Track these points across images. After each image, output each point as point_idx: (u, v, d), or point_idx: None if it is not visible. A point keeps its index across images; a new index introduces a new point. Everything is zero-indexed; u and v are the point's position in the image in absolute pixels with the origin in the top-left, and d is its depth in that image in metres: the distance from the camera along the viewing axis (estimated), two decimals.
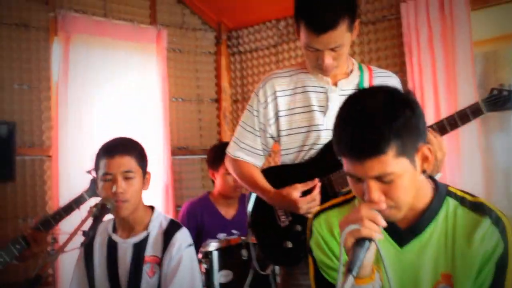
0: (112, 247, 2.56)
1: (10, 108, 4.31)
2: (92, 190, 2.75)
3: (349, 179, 1.61)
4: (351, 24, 2.32)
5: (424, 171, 1.62)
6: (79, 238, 2.12)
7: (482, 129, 3.92)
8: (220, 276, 3.14)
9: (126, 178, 2.43)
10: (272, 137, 2.59)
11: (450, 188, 1.72)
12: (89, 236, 2.15)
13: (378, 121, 1.51)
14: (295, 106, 2.52)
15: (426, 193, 1.67)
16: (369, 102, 1.57)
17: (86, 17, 4.65)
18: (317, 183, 2.39)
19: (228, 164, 2.71)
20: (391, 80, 2.55)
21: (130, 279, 2.47)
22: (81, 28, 4.57)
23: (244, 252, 3.16)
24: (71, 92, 4.46)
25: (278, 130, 2.55)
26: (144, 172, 2.53)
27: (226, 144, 4.55)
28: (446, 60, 3.96)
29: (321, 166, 2.44)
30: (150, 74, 4.99)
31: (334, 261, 1.72)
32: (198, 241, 3.49)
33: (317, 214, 1.79)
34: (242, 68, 5.59)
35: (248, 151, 2.61)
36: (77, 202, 2.76)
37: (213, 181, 4.12)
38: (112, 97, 4.74)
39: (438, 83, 4.01)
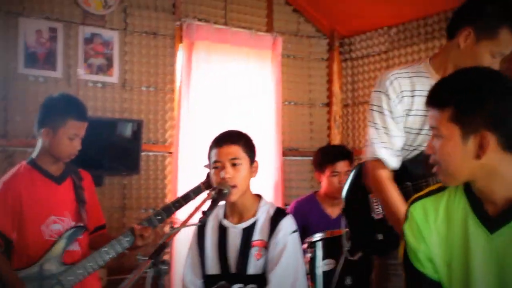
0: (222, 231, 2.77)
1: (138, 107, 4.76)
2: (208, 182, 3.04)
3: None
4: None
5: (478, 156, 1.66)
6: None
7: None
8: (323, 265, 3.32)
9: (234, 165, 2.66)
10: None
11: None
12: (208, 216, 2.39)
13: (444, 85, 1.76)
14: (412, 108, 2.49)
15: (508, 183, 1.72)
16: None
17: (208, 26, 5.02)
18: None
19: (368, 170, 2.57)
20: None
21: (239, 261, 2.69)
22: (204, 35, 4.95)
23: (346, 243, 3.31)
24: (192, 95, 4.86)
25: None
26: (252, 161, 2.73)
27: (331, 147, 4.74)
28: None
29: (419, 168, 2.45)
30: (265, 79, 5.31)
31: (421, 245, 1.82)
32: (304, 238, 3.64)
33: (413, 201, 1.89)
34: (353, 74, 5.77)
35: (391, 153, 2.50)
36: (194, 192, 3.05)
37: (319, 182, 4.28)
38: (229, 100, 5.09)
39: None
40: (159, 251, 2.05)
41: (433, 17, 5.07)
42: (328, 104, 5.82)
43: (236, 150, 2.68)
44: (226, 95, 5.08)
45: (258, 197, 2.82)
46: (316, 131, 5.71)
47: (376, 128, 2.52)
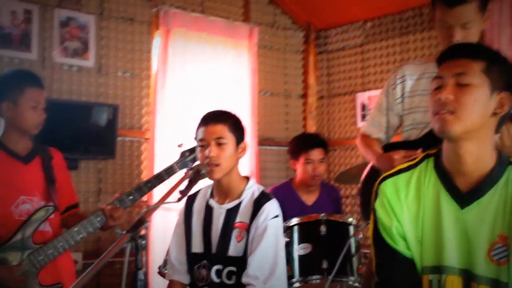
0: (208, 211, 2.77)
1: (114, 93, 4.74)
2: (182, 162, 3.03)
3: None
4: (482, 6, 2.49)
5: (494, 114, 1.76)
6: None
7: None
8: (299, 249, 3.34)
9: (219, 144, 2.65)
10: (399, 115, 2.83)
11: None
12: (184, 195, 2.39)
13: (472, 44, 1.97)
14: (418, 89, 2.74)
15: (489, 160, 1.79)
16: None
17: (185, 13, 5.01)
18: (419, 152, 2.54)
19: (357, 139, 3.00)
20: None
21: (220, 241, 2.69)
22: (180, 23, 4.94)
23: (322, 228, 3.34)
24: (168, 81, 4.85)
25: (403, 110, 2.80)
26: (238, 141, 2.72)
27: (306, 135, 4.79)
28: None
29: (428, 142, 2.59)
30: (241, 69, 5.32)
31: (393, 222, 1.87)
32: None
33: (383, 179, 1.93)
34: (329, 66, 5.82)
35: (373, 126, 2.90)
36: (167, 172, 3.04)
37: (294, 170, 4.31)
38: (205, 88, 5.09)
39: None
40: (137, 225, 2.05)
41: (409, 12, 5.15)
42: (304, 96, 5.86)
43: (221, 129, 2.67)
44: (202, 83, 5.08)
45: (246, 179, 2.81)
46: (291, 122, 5.75)
47: (374, 106, 2.94)
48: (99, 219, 2.89)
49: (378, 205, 1.91)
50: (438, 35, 2.63)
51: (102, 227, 2.92)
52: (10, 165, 2.87)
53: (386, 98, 2.84)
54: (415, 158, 1.95)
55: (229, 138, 2.68)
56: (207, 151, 2.64)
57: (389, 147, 2.81)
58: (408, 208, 1.86)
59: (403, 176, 1.90)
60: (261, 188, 2.82)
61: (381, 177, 1.95)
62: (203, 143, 2.68)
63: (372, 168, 2.87)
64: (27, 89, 2.85)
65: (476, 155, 1.77)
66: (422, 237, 1.84)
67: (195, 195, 2.83)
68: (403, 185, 1.88)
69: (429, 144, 2.58)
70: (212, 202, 2.79)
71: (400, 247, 1.86)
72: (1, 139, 2.90)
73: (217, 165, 2.63)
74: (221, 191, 2.78)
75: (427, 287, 1.85)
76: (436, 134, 1.78)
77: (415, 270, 1.86)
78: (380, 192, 1.91)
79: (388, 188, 1.90)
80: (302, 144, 4.09)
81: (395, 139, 2.97)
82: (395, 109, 2.82)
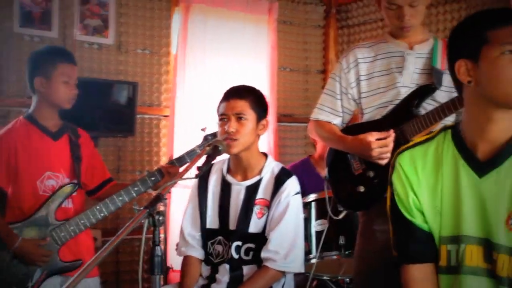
0: (225, 187, 2.81)
1: (133, 70, 4.75)
2: (203, 145, 3.06)
3: None
4: None
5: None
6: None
7: None
8: (316, 225, 3.36)
9: (239, 119, 2.69)
10: (353, 99, 2.79)
11: None
12: (202, 171, 2.41)
13: None
14: (375, 71, 2.73)
15: (509, 128, 1.77)
16: None
17: None
18: (391, 132, 2.56)
19: (310, 128, 2.94)
20: None
21: (240, 218, 2.72)
22: None
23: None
24: (188, 58, 4.84)
25: (360, 93, 2.76)
26: (259, 118, 2.76)
27: None
28: None
29: (395, 119, 2.63)
30: (261, 44, 5.28)
31: (410, 195, 1.88)
32: None
33: (401, 152, 1.94)
34: (350, 41, 5.75)
35: (328, 113, 2.83)
36: (189, 155, 3.09)
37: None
38: (225, 64, 5.08)
39: None
40: (154, 202, 2.06)
41: None
42: (324, 71, 5.81)
43: (242, 105, 2.71)
44: (222, 59, 5.06)
45: (265, 156, 2.84)
46: (311, 98, 5.69)
47: (324, 92, 2.89)
48: (121, 198, 2.97)
49: (395, 178, 1.93)
50: (385, 17, 2.70)
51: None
52: (40, 140, 2.94)
53: (339, 83, 2.81)
54: (431, 132, 1.95)
55: (249, 115, 2.71)
56: (226, 126, 2.67)
57: (353, 129, 2.78)
58: (426, 180, 1.87)
59: (419, 149, 1.91)
60: (280, 165, 2.86)
61: (398, 150, 1.97)
62: (223, 117, 2.72)
63: (336, 152, 2.85)
64: (60, 64, 2.91)
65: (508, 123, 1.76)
66: (441, 208, 1.85)
67: (209, 169, 2.85)
68: (420, 158, 1.89)
69: (397, 121, 2.63)
70: (230, 178, 2.81)
71: (417, 220, 1.88)
72: (33, 114, 2.96)
73: (235, 139, 2.66)
74: (239, 167, 2.80)
75: (445, 257, 1.86)
76: None
77: (432, 243, 1.88)
78: (396, 165, 1.93)
79: (404, 160, 1.91)
80: None
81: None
82: (350, 93, 2.78)
